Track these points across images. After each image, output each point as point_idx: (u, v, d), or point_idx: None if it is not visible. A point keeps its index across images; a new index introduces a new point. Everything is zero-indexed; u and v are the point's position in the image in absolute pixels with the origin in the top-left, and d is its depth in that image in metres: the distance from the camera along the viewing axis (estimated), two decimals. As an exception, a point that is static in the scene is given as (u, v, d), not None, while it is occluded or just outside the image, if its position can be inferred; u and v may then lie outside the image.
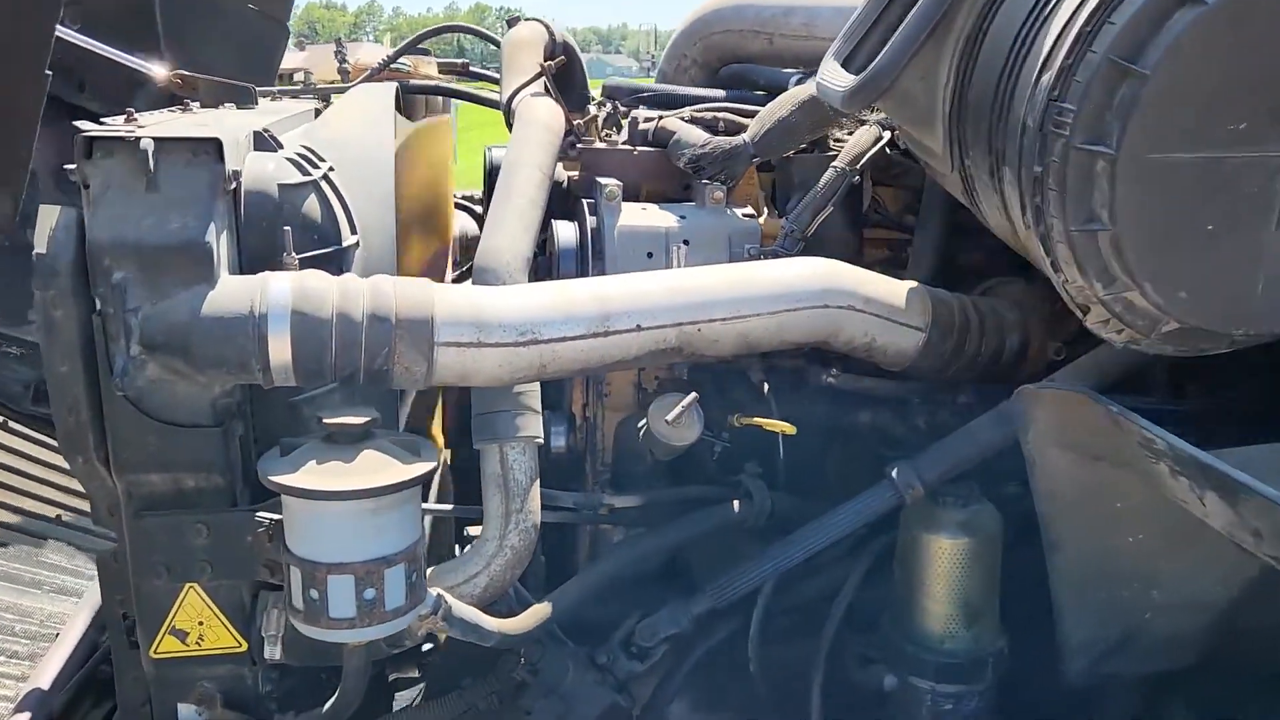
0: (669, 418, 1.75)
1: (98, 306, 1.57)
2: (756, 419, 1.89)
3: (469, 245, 2.97)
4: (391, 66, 2.94)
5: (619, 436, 2.12)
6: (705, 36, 2.78)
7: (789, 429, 1.84)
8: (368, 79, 2.92)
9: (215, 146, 1.60)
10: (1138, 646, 1.83)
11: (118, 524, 1.71)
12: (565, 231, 2.06)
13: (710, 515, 2.02)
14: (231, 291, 1.58)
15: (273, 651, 1.74)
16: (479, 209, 3.11)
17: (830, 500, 2.22)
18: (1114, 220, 1.41)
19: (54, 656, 2.19)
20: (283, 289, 1.58)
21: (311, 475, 1.51)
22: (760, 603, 2.01)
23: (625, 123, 2.38)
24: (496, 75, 3.16)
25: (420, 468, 1.56)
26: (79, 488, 3.12)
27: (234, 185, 1.65)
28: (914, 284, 1.99)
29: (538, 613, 1.85)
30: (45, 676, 2.13)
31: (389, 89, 2.37)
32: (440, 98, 3.08)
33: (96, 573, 2.66)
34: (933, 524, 1.97)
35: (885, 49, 1.67)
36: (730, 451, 2.06)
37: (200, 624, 1.74)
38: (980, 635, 2.00)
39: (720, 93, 2.64)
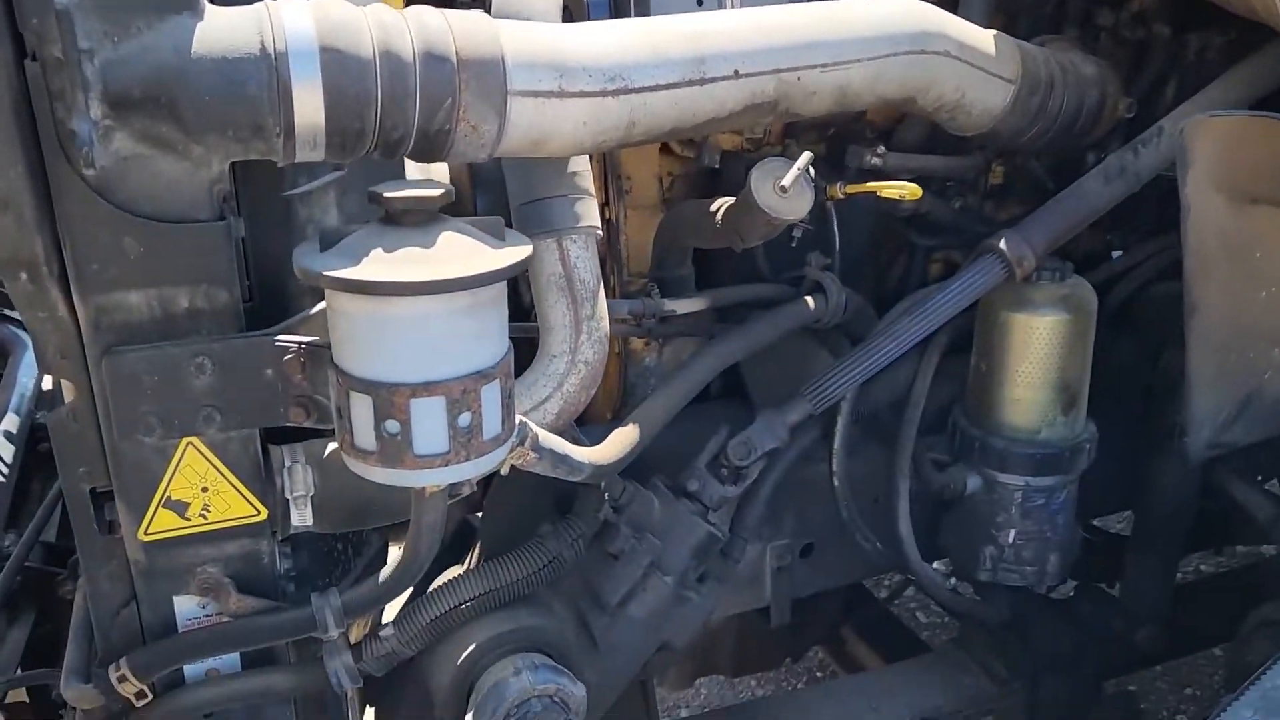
0: (785, 182, 1.43)
1: (30, 50, 1.08)
2: (870, 184, 1.59)
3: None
4: None
5: (664, 227, 1.78)
6: None
7: (915, 190, 1.55)
8: None
9: None
10: (1254, 412, 1.70)
11: (77, 368, 1.25)
12: (591, -24, 1.66)
13: (783, 315, 1.74)
14: (230, 22, 1.13)
15: (303, 516, 1.35)
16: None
17: (882, 297, 2.00)
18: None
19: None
20: (302, 19, 1.14)
21: (382, 266, 1.11)
22: (844, 409, 1.77)
23: None
24: None
25: (517, 252, 1.18)
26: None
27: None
28: (997, 32, 1.72)
29: (624, 438, 1.54)
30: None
31: None
32: None
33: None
34: (1027, 303, 1.77)
35: None
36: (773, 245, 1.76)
37: (204, 491, 1.32)
38: (1075, 421, 1.83)
39: None
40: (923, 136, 1.89)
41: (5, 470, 2.08)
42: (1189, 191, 1.49)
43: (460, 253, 1.14)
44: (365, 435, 1.18)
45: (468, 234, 1.18)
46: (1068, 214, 1.72)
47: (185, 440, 1.28)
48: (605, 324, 1.50)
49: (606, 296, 1.67)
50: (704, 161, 1.81)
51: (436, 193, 1.16)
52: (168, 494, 1.30)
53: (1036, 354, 1.76)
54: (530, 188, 1.47)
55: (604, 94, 1.30)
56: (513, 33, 1.26)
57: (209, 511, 1.33)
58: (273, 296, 1.37)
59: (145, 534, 1.31)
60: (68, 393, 1.29)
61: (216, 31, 1.12)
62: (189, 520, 1.33)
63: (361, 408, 1.17)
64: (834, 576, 2.11)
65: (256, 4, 1.16)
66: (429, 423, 1.16)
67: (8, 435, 2.23)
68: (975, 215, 2.09)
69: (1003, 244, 1.69)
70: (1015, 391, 1.80)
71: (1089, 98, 1.82)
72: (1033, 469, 1.81)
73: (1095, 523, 2.48)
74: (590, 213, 1.49)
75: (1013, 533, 1.87)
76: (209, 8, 1.14)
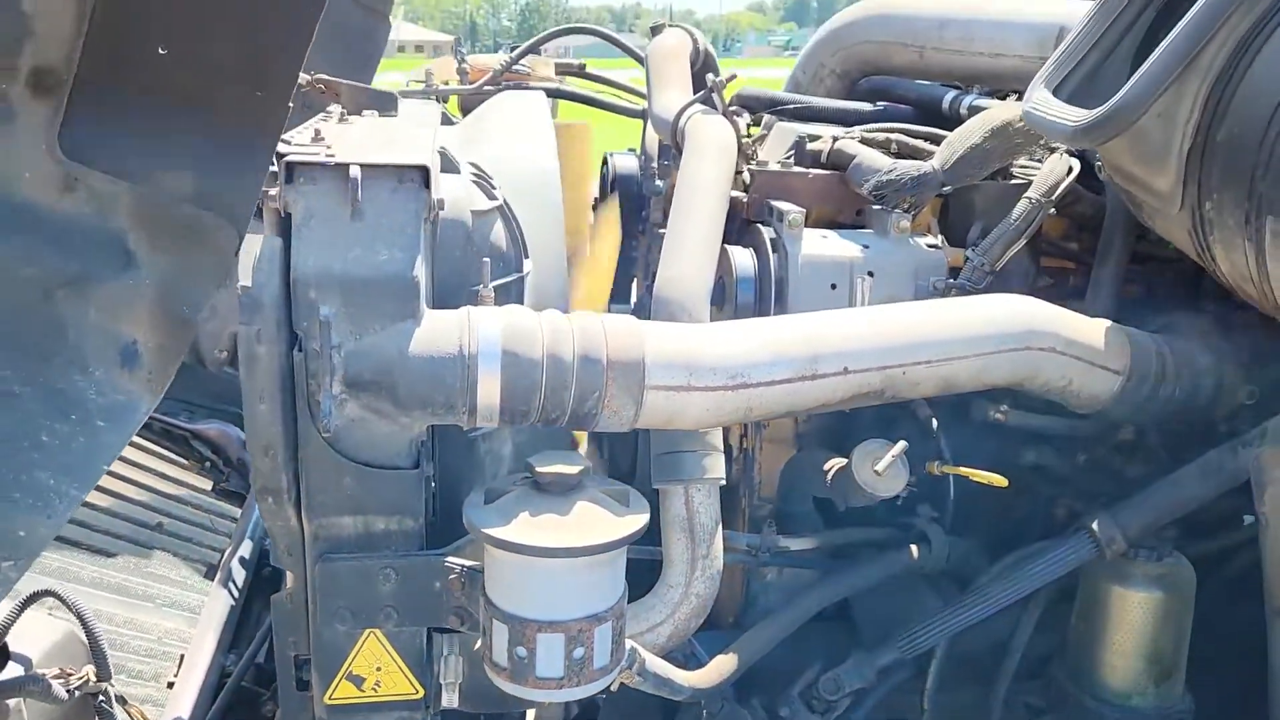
0: (879, 467, 1.66)
1: (299, 342, 1.48)
2: (964, 469, 1.80)
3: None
4: (512, 68, 2.84)
5: (786, 472, 2.03)
6: (847, 46, 2.68)
7: (1000, 481, 1.75)
8: (489, 82, 2.82)
9: (422, 173, 1.51)
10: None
11: (297, 565, 1.62)
12: (742, 259, 1.96)
13: (888, 560, 1.94)
14: (439, 328, 1.49)
15: (451, 699, 1.66)
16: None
17: (994, 544, 2.15)
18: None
19: (186, 684, 2.11)
20: (493, 327, 1.49)
21: (526, 529, 1.43)
22: (939, 652, 1.93)
23: (775, 142, 2.28)
24: (612, 78, 3.08)
25: (635, 522, 1.47)
26: (180, 494, 3.05)
27: (434, 214, 1.55)
28: (1111, 324, 1.90)
29: (724, 665, 1.77)
30: (183, 707, 2.05)
31: (539, 99, 2.28)
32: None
33: (211, 589, 2.61)
34: (1124, 577, 1.89)
35: (1130, 84, 1.57)
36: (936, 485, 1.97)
37: (378, 670, 1.65)
38: (1168, 693, 1.91)
39: (867, 106, 2.54)
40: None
41: (236, 594, 2.52)
42: (1266, 510, 1.61)
43: (587, 521, 1.44)
44: (500, 654, 1.48)
45: (599, 502, 1.48)
46: (1160, 504, 1.84)
47: (369, 630, 1.62)
48: (719, 562, 1.75)
49: (735, 522, 1.93)
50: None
51: (576, 469, 1.48)
52: (350, 669, 1.64)
53: (1130, 626, 1.87)
54: (668, 440, 1.76)
55: (726, 389, 1.58)
56: (657, 336, 1.56)
57: (379, 687, 1.66)
58: (451, 517, 1.71)
59: (329, 699, 1.65)
60: (289, 580, 1.67)
61: (429, 334, 1.48)
62: (363, 692, 1.66)
63: (499, 633, 1.47)
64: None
65: (462, 310, 1.53)
66: (550, 653, 1.45)
67: (242, 561, 2.69)
68: (1102, 470, 2.21)
69: (1095, 525, 1.84)
70: (1109, 656, 1.91)
71: (1204, 386, 1.95)
72: (1119, 731, 1.90)
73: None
74: (716, 466, 1.76)
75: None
76: (428, 313, 1.51)
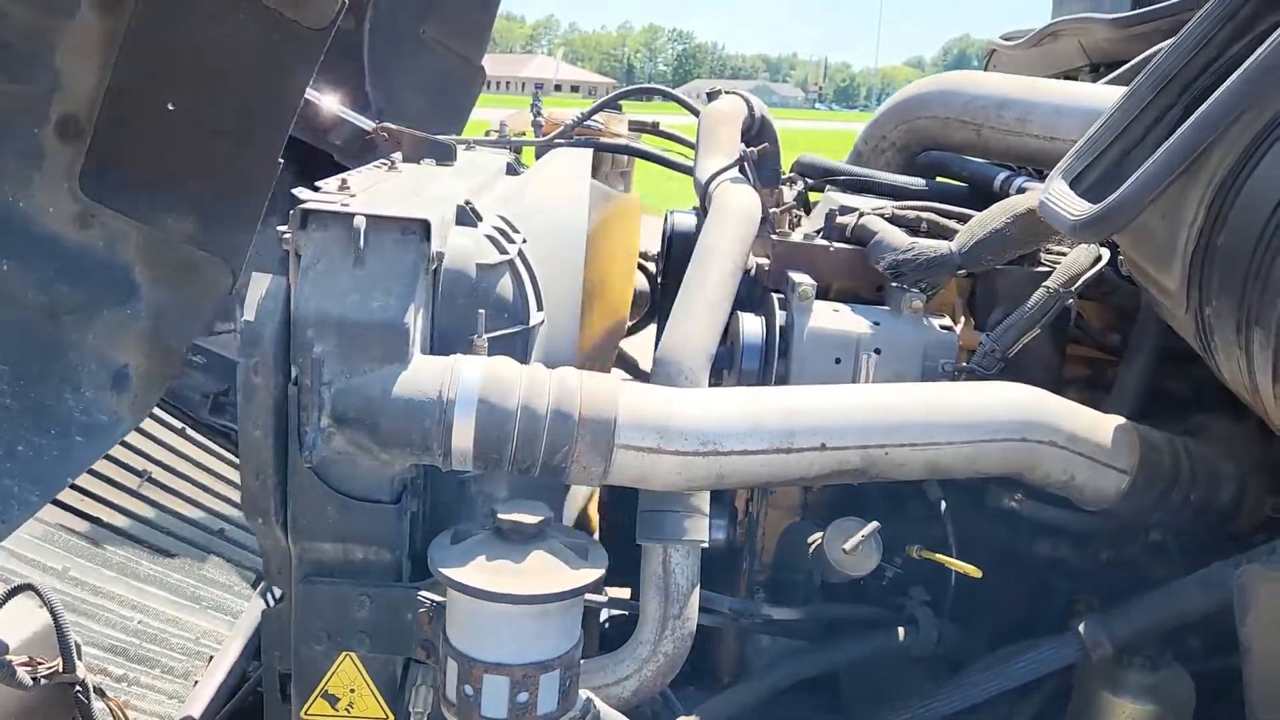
0: (847, 546, 1.66)
1: (294, 376, 1.59)
2: (940, 556, 1.78)
3: (638, 301, 2.94)
4: (584, 124, 2.95)
5: (781, 540, 2.04)
6: (909, 120, 2.68)
7: (974, 572, 1.72)
8: (561, 135, 2.93)
9: (424, 227, 1.60)
10: None
11: (286, 583, 1.73)
12: (751, 326, 2.00)
13: (873, 640, 1.92)
14: (423, 373, 1.58)
15: (417, 728, 1.73)
16: (650, 265, 3.08)
17: (999, 632, 2.10)
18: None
19: (207, 684, 2.25)
20: (473, 375, 1.57)
21: (480, 572, 1.49)
22: (917, 741, 1.90)
23: (819, 212, 2.31)
24: (684, 136, 3.15)
25: (588, 575, 1.52)
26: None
27: (436, 265, 1.65)
28: (1122, 420, 1.85)
29: (688, 728, 1.79)
30: (197, 705, 2.18)
31: (586, 156, 2.37)
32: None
33: (252, 597, 2.76)
34: (1117, 685, 1.83)
35: (1129, 183, 1.55)
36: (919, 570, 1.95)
37: (352, 691, 1.74)
38: (1159, 809, 1.83)
39: (919, 182, 2.54)
40: None
41: (271, 603, 2.66)
42: (1248, 634, 1.54)
43: (540, 570, 1.50)
44: (451, 690, 1.54)
45: (556, 554, 1.53)
46: (1154, 612, 1.78)
47: (344, 653, 1.71)
48: (691, 624, 1.78)
49: (736, 584, 1.95)
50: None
51: (535, 519, 1.54)
52: (325, 688, 1.73)
53: (1120, 734, 1.81)
54: (651, 499, 1.80)
55: (696, 454, 1.61)
56: (629, 397, 1.62)
57: (352, 708, 1.75)
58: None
59: (305, 714, 1.74)
60: (283, 596, 1.77)
61: (413, 378, 1.57)
62: (337, 711, 1.75)
63: (452, 669, 1.54)
64: None
65: (450, 358, 1.61)
66: (494, 695, 1.50)
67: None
68: (1125, 570, 2.14)
69: (1082, 626, 1.78)
70: (1099, 763, 1.84)
71: (1223, 493, 1.88)
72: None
73: None
74: (697, 529, 1.78)
75: None
76: (417, 358, 1.60)
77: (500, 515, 1.54)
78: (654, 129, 3.14)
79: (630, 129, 3.12)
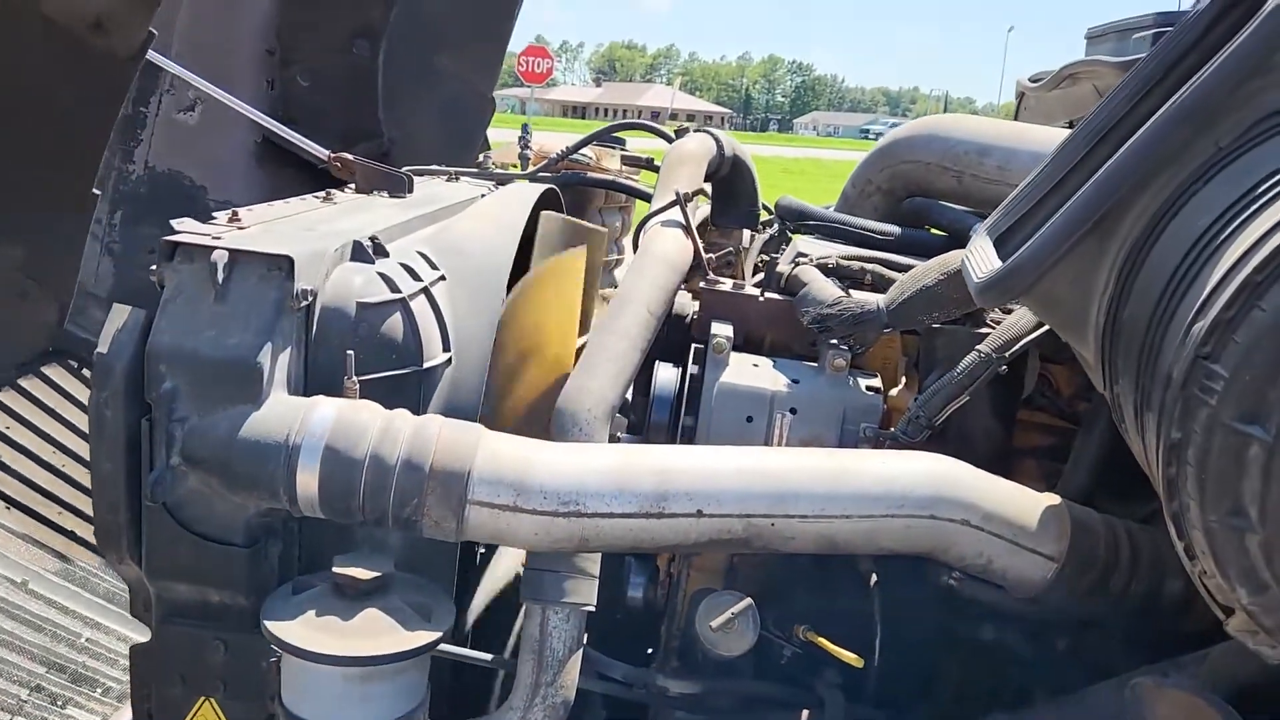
0: (713, 624, 1.54)
1: (146, 414, 1.55)
2: (823, 640, 1.64)
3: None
4: (571, 158, 2.89)
5: (691, 607, 1.91)
6: (894, 164, 2.55)
7: (856, 661, 1.58)
8: (545, 169, 2.88)
9: (287, 264, 1.56)
10: None
11: (149, 621, 1.69)
12: (665, 376, 1.90)
13: (776, 721, 1.78)
14: (273, 416, 1.52)
15: (278, 779, 1.67)
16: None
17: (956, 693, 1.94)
18: (1265, 522, 1.09)
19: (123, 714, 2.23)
20: (324, 419, 1.51)
21: (304, 629, 1.42)
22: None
23: (786, 258, 2.19)
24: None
25: (420, 638, 1.44)
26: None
27: (305, 303, 1.60)
28: (1053, 499, 1.68)
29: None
30: (109, 731, 2.17)
31: (530, 193, 2.30)
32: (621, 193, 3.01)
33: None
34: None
35: (1028, 244, 1.40)
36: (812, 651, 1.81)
37: (213, 737, 1.69)
38: None
39: (893, 229, 2.40)
40: None
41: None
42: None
43: (365, 630, 1.42)
44: (281, 749, 1.48)
45: (392, 612, 1.46)
46: (1088, 710, 1.60)
47: (202, 698, 1.66)
48: (567, 693, 1.67)
49: (633, 652, 1.84)
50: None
51: (370, 575, 1.46)
52: (186, 732, 1.69)
53: None
54: (538, 555, 1.70)
55: (555, 515, 1.52)
56: (489, 449, 1.53)
57: (214, 753, 1.70)
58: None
59: (168, 756, 1.71)
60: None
61: (263, 420, 1.52)
62: (198, 756, 1.70)
63: (281, 725, 1.47)
64: None
65: (306, 400, 1.55)
66: (319, 757, 1.43)
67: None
68: (1076, 657, 1.95)
69: (988, 729, 1.62)
70: None
71: (1170, 585, 1.69)
72: None
73: None
74: (581, 591, 1.68)
75: None
76: (273, 398, 1.55)
77: (335, 568, 1.47)
78: (648, 164, 3.06)
79: (624, 164, 3.05)
